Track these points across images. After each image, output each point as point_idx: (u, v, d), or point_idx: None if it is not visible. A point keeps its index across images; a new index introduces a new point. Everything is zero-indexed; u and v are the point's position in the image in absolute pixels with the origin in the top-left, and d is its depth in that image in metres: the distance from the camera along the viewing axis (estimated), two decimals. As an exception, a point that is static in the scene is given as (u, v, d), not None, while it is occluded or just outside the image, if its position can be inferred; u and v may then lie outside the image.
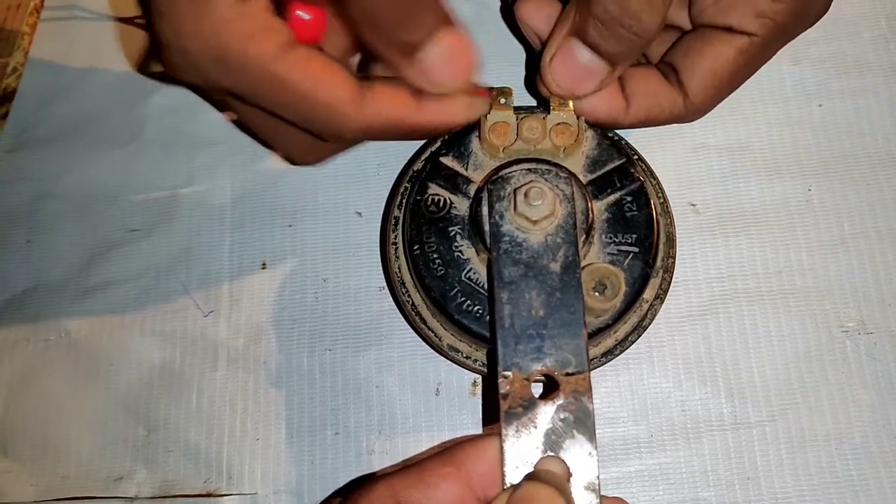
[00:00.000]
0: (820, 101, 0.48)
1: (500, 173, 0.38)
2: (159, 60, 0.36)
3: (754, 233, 0.45)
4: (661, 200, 0.42)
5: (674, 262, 0.41)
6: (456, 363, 0.41)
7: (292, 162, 0.44)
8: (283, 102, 0.36)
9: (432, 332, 0.41)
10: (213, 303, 0.47)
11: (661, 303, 0.41)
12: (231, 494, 0.43)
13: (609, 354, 0.40)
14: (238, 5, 0.33)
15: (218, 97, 0.38)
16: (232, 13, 0.33)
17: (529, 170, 0.38)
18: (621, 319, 0.39)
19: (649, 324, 0.40)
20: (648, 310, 0.40)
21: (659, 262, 0.40)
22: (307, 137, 0.39)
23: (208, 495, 0.43)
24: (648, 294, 0.40)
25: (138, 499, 0.44)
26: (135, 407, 0.45)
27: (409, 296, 0.41)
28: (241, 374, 0.45)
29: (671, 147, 0.47)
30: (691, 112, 0.40)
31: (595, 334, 0.38)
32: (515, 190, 0.36)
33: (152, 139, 0.51)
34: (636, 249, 0.39)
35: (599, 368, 0.43)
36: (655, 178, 0.42)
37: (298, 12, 0.35)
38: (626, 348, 0.40)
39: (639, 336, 0.40)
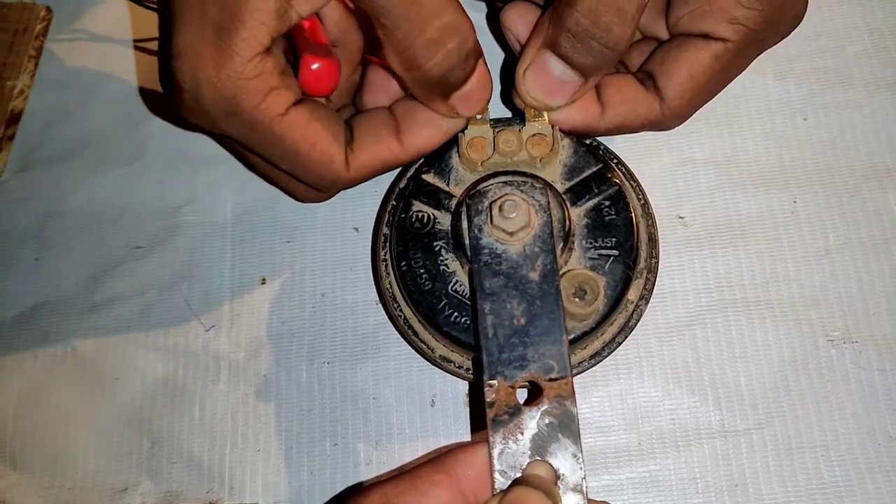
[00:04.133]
0: (805, 115, 0.49)
1: (478, 187, 0.39)
2: (170, 97, 0.37)
3: (741, 244, 0.46)
4: (642, 202, 0.43)
5: (657, 263, 0.42)
6: (448, 373, 0.42)
7: (296, 199, 0.46)
8: (282, 158, 0.38)
9: (424, 343, 0.42)
10: (215, 317, 0.48)
11: (647, 303, 0.41)
12: (233, 504, 0.45)
13: (597, 356, 0.41)
14: (259, 63, 0.34)
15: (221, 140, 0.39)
16: (252, 70, 0.34)
17: (505, 182, 0.39)
18: (607, 321, 0.40)
19: (635, 324, 0.41)
20: (634, 310, 0.41)
21: (642, 263, 0.41)
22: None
23: (210, 505, 0.45)
24: (633, 295, 0.41)
25: (142, 509, 0.45)
26: (139, 420, 0.47)
27: (401, 310, 0.42)
28: (242, 387, 0.47)
29: (659, 161, 0.48)
30: (668, 117, 0.41)
31: (581, 338, 0.39)
32: (491, 203, 0.37)
33: (155, 158, 0.53)
34: (616, 253, 0.40)
35: (590, 379, 0.44)
36: (636, 181, 0.43)
37: (314, 66, 0.37)
38: (614, 349, 0.41)
39: (626, 337, 0.41)
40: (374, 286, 0.47)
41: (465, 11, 0.36)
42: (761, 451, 0.43)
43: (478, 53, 0.37)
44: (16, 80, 0.56)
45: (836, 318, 0.45)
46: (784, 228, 0.46)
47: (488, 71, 0.39)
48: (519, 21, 0.41)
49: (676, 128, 0.48)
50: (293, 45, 0.39)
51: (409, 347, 0.45)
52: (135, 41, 0.56)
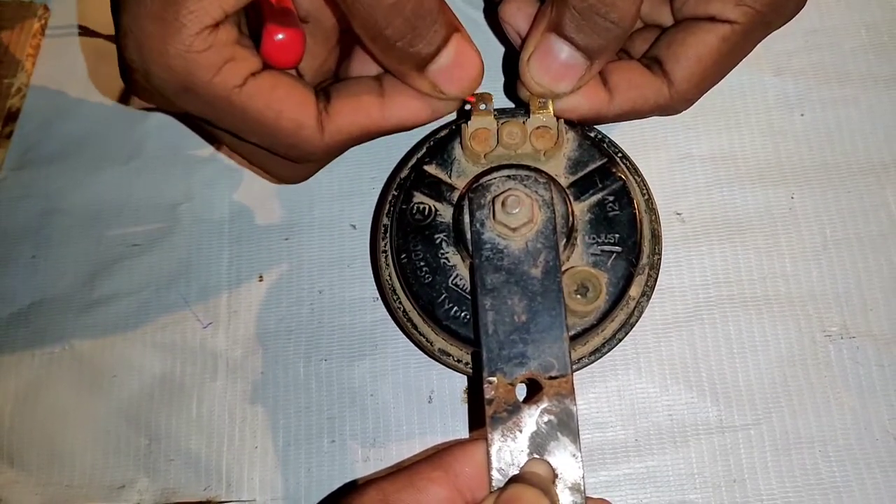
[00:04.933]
0: (802, 110, 0.49)
1: (480, 181, 0.39)
2: (123, 80, 0.35)
3: (738, 240, 0.46)
4: (646, 198, 0.42)
5: (660, 259, 0.41)
6: (447, 367, 0.42)
7: (278, 181, 0.45)
8: (249, 130, 0.36)
9: (423, 337, 0.41)
10: (212, 315, 0.48)
11: (648, 300, 0.41)
12: (230, 501, 0.44)
13: (597, 353, 0.41)
14: (208, 36, 0.33)
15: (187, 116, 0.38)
16: (202, 43, 0.33)
17: (508, 176, 0.38)
18: (608, 318, 0.39)
19: (636, 321, 0.41)
20: (635, 307, 0.41)
21: (644, 260, 0.41)
22: (282, 159, 0.39)
23: (208, 502, 0.44)
24: (634, 291, 0.41)
25: (140, 506, 0.45)
26: (136, 417, 0.47)
27: (400, 302, 0.41)
28: (240, 384, 0.47)
29: (656, 157, 0.48)
30: (677, 101, 0.40)
31: (582, 334, 0.39)
32: (494, 198, 0.37)
33: (153, 156, 0.53)
34: (619, 249, 0.39)
35: (588, 375, 0.44)
36: (640, 176, 0.43)
37: (278, 36, 0.36)
38: (615, 346, 0.41)
39: (626, 333, 0.41)
40: (371, 283, 0.47)
41: None
42: (759, 446, 0.43)
43: (448, 24, 0.36)
44: (13, 78, 0.56)
45: (833, 313, 0.45)
46: (781, 224, 0.46)
47: (473, 48, 0.37)
48: (518, 14, 0.41)
49: (673, 126, 0.48)
50: (256, 12, 0.37)
51: (407, 345, 0.45)
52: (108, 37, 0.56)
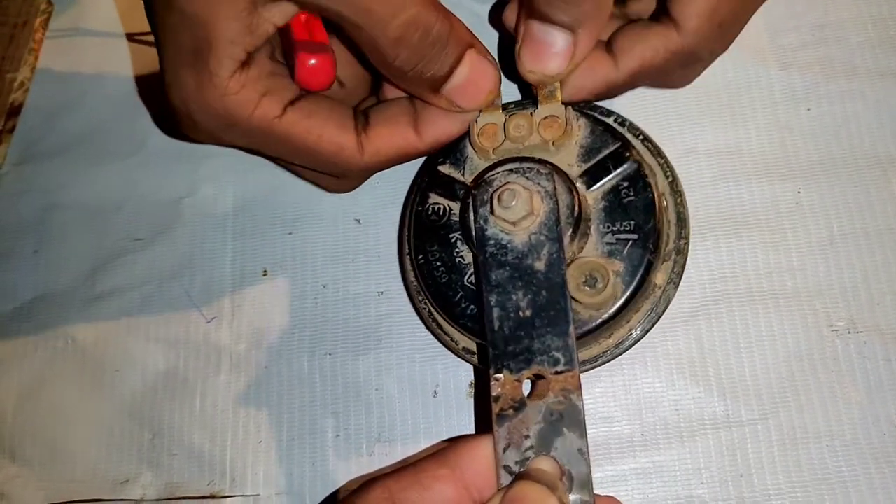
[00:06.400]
0: (808, 105, 0.48)
1: (485, 176, 0.38)
2: (173, 122, 0.38)
3: (745, 235, 0.46)
4: (671, 180, 0.41)
5: (687, 244, 0.40)
6: (473, 365, 0.42)
7: (328, 191, 0.46)
8: (293, 154, 0.38)
9: (448, 336, 0.41)
10: (216, 309, 0.48)
11: (676, 287, 0.39)
12: (234, 496, 0.44)
13: (622, 344, 0.40)
14: (240, 75, 0.35)
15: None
16: (235, 85, 0.35)
17: (511, 170, 0.37)
18: (630, 308, 0.38)
19: (664, 310, 0.39)
20: (662, 295, 0.39)
21: (671, 245, 0.39)
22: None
23: (212, 497, 0.44)
24: (661, 279, 0.39)
25: (144, 501, 0.45)
26: (140, 412, 0.47)
27: (425, 303, 0.41)
28: (244, 379, 0.46)
29: (662, 152, 0.48)
30: (691, 44, 0.38)
31: (601, 326, 0.38)
32: (493, 193, 0.36)
33: (156, 150, 0.53)
34: (635, 236, 0.37)
35: (594, 370, 0.44)
36: (663, 157, 0.41)
37: (310, 62, 0.37)
38: (642, 337, 0.40)
39: (653, 324, 0.39)
40: (375, 277, 0.47)
41: (435, 3, 0.35)
42: (766, 441, 0.42)
43: (459, 42, 0.36)
44: (16, 72, 0.56)
45: (840, 308, 0.44)
46: (788, 218, 0.46)
47: (488, 61, 0.37)
48: (515, 17, 0.40)
49: (678, 120, 0.48)
50: (288, 42, 0.39)
51: (412, 338, 0.45)
52: (128, 34, 0.56)
